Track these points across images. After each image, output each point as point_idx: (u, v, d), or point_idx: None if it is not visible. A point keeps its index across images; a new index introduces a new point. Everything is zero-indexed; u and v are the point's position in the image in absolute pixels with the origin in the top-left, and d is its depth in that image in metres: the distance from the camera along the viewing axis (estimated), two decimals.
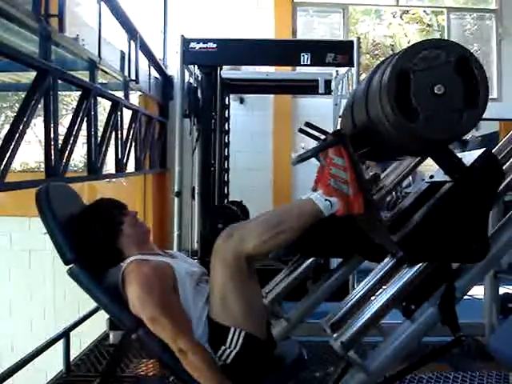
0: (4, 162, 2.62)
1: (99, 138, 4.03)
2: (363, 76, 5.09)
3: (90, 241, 2.01)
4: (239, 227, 1.85)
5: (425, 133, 1.59)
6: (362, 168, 1.81)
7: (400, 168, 2.63)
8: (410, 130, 1.59)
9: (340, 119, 2.29)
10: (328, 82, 5.72)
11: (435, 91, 1.57)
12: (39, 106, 2.94)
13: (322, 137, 2.12)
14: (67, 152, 3.34)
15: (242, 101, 7.01)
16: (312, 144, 2.82)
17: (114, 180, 5.40)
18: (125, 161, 4.81)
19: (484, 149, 1.79)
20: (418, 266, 1.87)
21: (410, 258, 1.84)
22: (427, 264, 1.86)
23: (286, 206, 1.97)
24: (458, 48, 1.62)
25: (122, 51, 4.82)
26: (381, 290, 2.02)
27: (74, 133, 3.44)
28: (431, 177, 2.03)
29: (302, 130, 2.30)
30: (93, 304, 2.66)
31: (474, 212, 1.75)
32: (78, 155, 7.19)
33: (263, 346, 1.90)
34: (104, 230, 2.03)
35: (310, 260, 2.78)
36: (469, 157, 1.79)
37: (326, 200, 1.78)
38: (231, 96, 6.35)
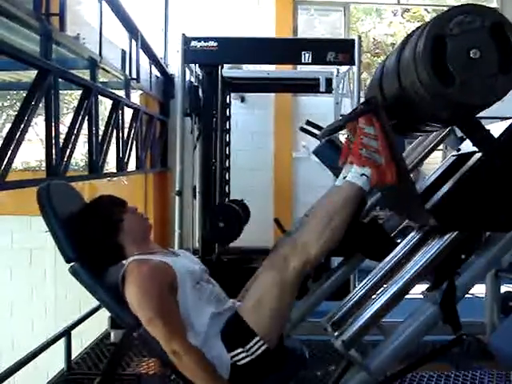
0: (5, 161, 2.62)
1: (100, 137, 4.03)
2: (364, 75, 5.09)
3: (90, 238, 2.01)
4: (297, 237, 1.87)
5: (461, 97, 1.58)
6: (394, 136, 1.78)
7: (421, 147, 2.62)
8: (445, 95, 1.58)
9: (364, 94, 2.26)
10: (329, 81, 5.71)
11: (471, 55, 1.57)
12: (40, 104, 2.94)
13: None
14: (68, 151, 3.34)
15: (242, 99, 7.01)
16: (314, 143, 2.82)
17: (114, 179, 5.39)
18: (126, 160, 4.81)
19: (511, 120, 1.80)
20: (420, 264, 1.88)
21: (443, 225, 1.83)
22: (432, 260, 1.86)
23: (326, 199, 1.94)
24: (493, 13, 1.61)
25: (122, 50, 4.82)
26: (382, 289, 2.02)
27: (75, 132, 3.44)
28: (458, 150, 2.03)
29: (303, 129, 2.31)
30: (94, 302, 2.67)
31: (502, 183, 1.75)
32: (79, 154, 7.20)
33: (276, 360, 1.91)
34: (104, 227, 2.03)
35: None
36: (497, 128, 1.80)
37: (361, 175, 1.77)
38: (232, 95, 6.34)
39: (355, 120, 1.79)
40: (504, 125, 1.79)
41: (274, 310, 1.85)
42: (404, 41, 1.77)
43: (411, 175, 2.15)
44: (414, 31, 1.74)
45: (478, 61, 1.57)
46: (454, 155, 2.04)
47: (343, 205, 1.81)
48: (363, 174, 1.77)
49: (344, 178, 1.84)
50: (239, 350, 1.86)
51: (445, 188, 1.82)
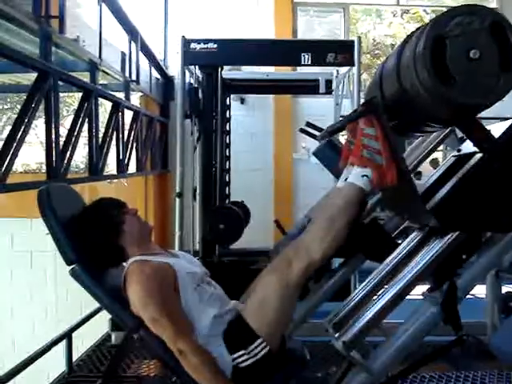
0: (6, 164, 2.62)
1: (100, 139, 4.03)
2: (364, 76, 5.09)
3: (92, 241, 2.02)
4: (300, 241, 1.88)
5: (461, 98, 1.59)
6: (394, 137, 1.78)
7: (420, 149, 2.62)
8: (446, 96, 1.58)
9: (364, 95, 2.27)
10: (329, 82, 5.72)
11: (471, 56, 1.57)
12: (40, 107, 2.94)
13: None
14: (68, 153, 3.34)
15: (242, 101, 7.01)
16: (314, 144, 2.82)
17: (115, 181, 5.40)
18: (126, 162, 4.82)
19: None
20: (421, 265, 1.88)
21: (444, 226, 1.83)
22: (433, 260, 1.86)
23: (328, 201, 1.95)
24: (492, 13, 1.62)
25: (122, 52, 4.82)
26: (383, 290, 2.01)
27: (75, 134, 3.44)
28: (458, 150, 2.03)
29: (302, 130, 2.31)
30: (95, 305, 2.67)
31: (502, 184, 1.75)
32: (80, 156, 7.20)
33: (277, 363, 1.91)
34: (105, 230, 2.03)
35: None
36: (497, 129, 1.80)
37: (362, 176, 1.78)
38: (232, 96, 6.34)
39: (356, 121, 1.79)
40: (504, 125, 1.79)
41: (277, 313, 1.85)
42: (404, 41, 1.77)
43: (412, 175, 2.15)
44: (413, 32, 1.74)
45: (478, 61, 1.57)
46: (454, 155, 2.04)
47: (345, 206, 1.81)
48: (364, 175, 1.77)
49: (345, 179, 1.84)
50: (241, 352, 1.86)
51: (445, 189, 1.82)
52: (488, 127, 1.80)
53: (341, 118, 4.18)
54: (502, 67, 1.58)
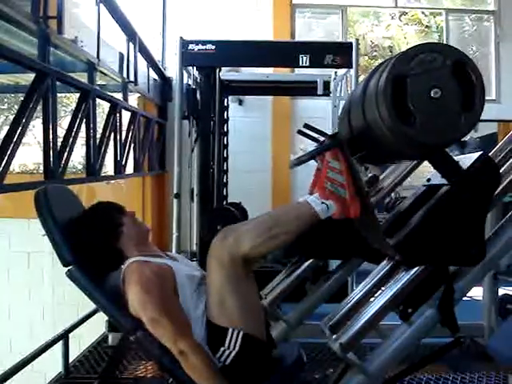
0: (3, 164, 2.62)
1: (98, 140, 4.03)
2: (362, 77, 5.09)
3: (91, 244, 2.01)
4: (235, 229, 1.84)
5: (421, 137, 1.59)
6: (358, 171, 1.80)
7: (399, 170, 2.63)
8: (406, 135, 1.58)
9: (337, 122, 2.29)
10: (327, 84, 5.72)
11: (432, 95, 1.57)
12: (38, 107, 2.94)
13: (321, 138, 2.12)
14: (66, 154, 3.34)
15: (240, 102, 7.01)
16: (311, 146, 2.82)
17: (112, 182, 5.40)
18: (124, 162, 4.81)
19: (480, 152, 1.79)
20: (416, 269, 1.87)
21: (407, 261, 1.84)
22: (424, 267, 1.86)
23: (283, 208, 1.95)
24: (455, 51, 1.61)
25: (120, 53, 4.82)
26: (379, 292, 2.02)
27: (72, 134, 3.44)
28: (428, 180, 2.03)
29: (300, 132, 2.30)
30: (92, 306, 2.66)
31: (471, 216, 1.74)
32: (77, 157, 7.19)
33: (262, 347, 1.90)
34: (104, 233, 2.03)
35: (309, 261, 2.78)
36: (466, 160, 1.79)
37: (322, 203, 1.78)
38: (230, 97, 6.35)
39: (321, 154, 1.80)
40: (473, 157, 1.78)
41: (237, 301, 1.83)
42: (372, 72, 1.77)
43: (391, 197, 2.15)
44: (382, 63, 1.74)
45: (439, 100, 1.57)
46: (424, 185, 2.03)
47: (293, 219, 1.80)
48: (324, 203, 1.77)
49: (306, 198, 1.84)
50: (221, 350, 1.86)
51: (411, 223, 1.81)
52: (457, 158, 1.79)
53: (338, 121, 4.18)
54: (464, 107, 1.58)
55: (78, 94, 3.68)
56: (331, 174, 1.76)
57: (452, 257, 1.78)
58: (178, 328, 1.83)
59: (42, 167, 3.15)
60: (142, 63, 5.55)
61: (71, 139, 3.41)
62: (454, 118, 1.58)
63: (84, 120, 3.61)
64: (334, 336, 1.91)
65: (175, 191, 4.84)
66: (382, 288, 2.03)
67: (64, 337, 3.58)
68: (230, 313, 1.84)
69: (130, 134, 5.06)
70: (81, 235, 2.02)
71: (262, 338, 1.89)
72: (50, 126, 3.06)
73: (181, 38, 4.72)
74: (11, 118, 3.13)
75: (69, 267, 1.97)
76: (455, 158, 1.79)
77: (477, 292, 3.73)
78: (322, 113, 6.14)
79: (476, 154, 1.79)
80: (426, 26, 8.49)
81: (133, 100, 5.72)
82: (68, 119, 3.61)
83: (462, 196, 1.74)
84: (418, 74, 1.57)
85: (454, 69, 1.58)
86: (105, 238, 2.03)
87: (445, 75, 1.58)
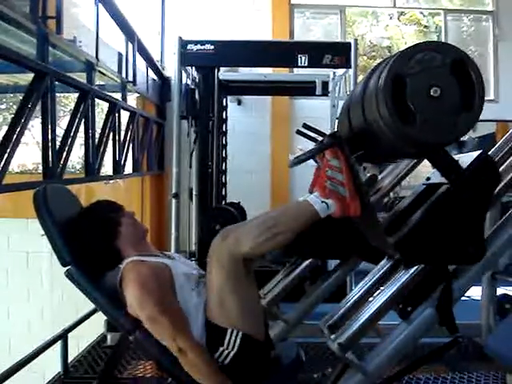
0: (2, 164, 2.62)
1: (97, 140, 4.03)
2: (360, 77, 5.09)
3: (88, 243, 2.02)
4: (235, 229, 1.85)
5: (421, 136, 1.59)
6: (358, 170, 1.80)
7: (397, 169, 2.63)
8: (406, 133, 1.59)
9: (337, 122, 2.29)
10: (325, 84, 5.72)
11: (431, 93, 1.57)
12: (37, 107, 2.94)
13: (320, 138, 2.12)
14: (65, 154, 3.34)
15: (239, 102, 7.02)
16: (310, 145, 2.82)
17: (111, 181, 5.40)
18: (122, 162, 4.82)
19: (480, 151, 1.79)
20: (414, 268, 1.88)
21: (407, 260, 1.84)
22: (424, 266, 1.86)
23: (283, 207, 1.96)
24: (454, 50, 1.61)
25: (119, 53, 4.82)
26: (378, 292, 2.02)
27: (71, 134, 3.44)
28: (428, 179, 2.03)
29: (299, 132, 2.31)
30: (90, 306, 2.66)
31: (470, 215, 1.75)
32: (76, 157, 7.19)
33: (261, 347, 1.90)
34: (103, 232, 2.04)
35: (308, 261, 2.78)
36: (466, 159, 1.80)
37: (322, 202, 1.78)
38: (229, 97, 6.35)
39: (320, 153, 1.80)
40: (473, 155, 1.78)
41: (237, 301, 1.83)
42: (370, 72, 1.77)
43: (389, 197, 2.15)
44: (381, 62, 1.74)
45: (438, 99, 1.57)
46: (424, 183, 2.03)
47: (293, 218, 1.80)
48: (324, 202, 1.78)
49: (306, 197, 1.84)
50: (220, 350, 1.86)
51: (411, 221, 1.82)
52: (456, 157, 1.80)
53: (336, 121, 4.19)
54: (464, 106, 1.58)
55: (76, 94, 3.68)
56: (331, 172, 1.76)
57: (451, 256, 1.78)
58: (177, 326, 1.83)
59: (40, 167, 3.15)
60: (141, 63, 5.56)
61: (70, 139, 3.41)
62: (454, 117, 1.58)
63: (83, 120, 3.61)
64: (333, 335, 1.91)
65: (174, 191, 4.84)
66: (381, 287, 2.03)
67: (63, 337, 3.58)
68: (230, 313, 1.84)
69: (129, 133, 5.06)
70: (79, 233, 2.02)
71: (260, 339, 1.89)
72: (49, 126, 3.06)
73: (179, 37, 4.72)
74: (10, 118, 3.13)
75: (67, 267, 1.97)
76: (455, 157, 1.80)
77: (475, 292, 3.73)
78: (320, 113, 6.13)
79: (475, 153, 1.79)
80: (425, 26, 8.50)
81: (131, 100, 5.72)
82: (67, 119, 3.61)
83: (462, 195, 1.74)
84: (417, 72, 1.57)
85: (453, 67, 1.58)
86: (102, 236, 2.03)
87: (444, 74, 1.58)
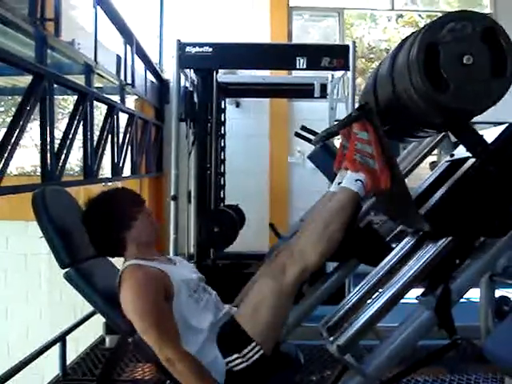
0: (0, 166, 2.62)
1: (95, 142, 4.03)
2: (359, 80, 5.11)
3: (99, 225, 2.00)
4: (294, 245, 1.86)
5: (455, 103, 1.60)
6: (387, 141, 1.79)
7: (410, 157, 2.63)
8: (439, 101, 1.59)
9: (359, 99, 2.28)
10: (323, 86, 5.72)
11: (464, 61, 1.58)
12: (35, 110, 2.94)
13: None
14: (63, 156, 3.34)
15: (238, 105, 7.02)
16: (309, 147, 2.83)
17: (110, 184, 5.39)
18: (121, 165, 4.81)
19: (507, 124, 1.81)
20: (414, 268, 1.88)
21: (437, 231, 1.84)
22: (424, 266, 1.86)
23: (322, 205, 1.95)
24: (484, 18, 1.63)
25: (118, 55, 4.82)
26: (377, 294, 2.02)
27: (70, 137, 3.44)
28: (452, 155, 2.04)
29: (298, 134, 2.31)
30: (89, 308, 2.66)
31: (496, 188, 1.76)
32: (74, 159, 7.19)
33: (271, 367, 1.91)
34: (116, 219, 2.01)
35: None
36: (489, 134, 1.80)
37: (356, 180, 1.78)
38: (227, 100, 6.35)
39: (349, 125, 1.80)
40: (498, 130, 1.80)
41: (271, 317, 1.85)
42: (398, 47, 1.78)
43: (406, 180, 2.16)
44: (408, 37, 1.75)
45: (471, 66, 1.58)
46: (447, 161, 2.05)
47: (339, 211, 1.81)
48: (358, 180, 1.78)
49: (339, 183, 1.84)
50: (235, 356, 1.86)
51: (438, 194, 1.83)
52: (481, 132, 1.81)
53: (336, 122, 4.20)
54: (495, 73, 1.59)
55: (75, 97, 3.68)
56: (360, 145, 1.76)
57: (478, 228, 1.79)
58: (165, 335, 1.82)
59: (39, 169, 3.14)
60: (140, 65, 5.57)
61: (68, 141, 3.41)
62: (487, 84, 1.60)
63: (81, 122, 3.61)
64: (332, 338, 1.91)
65: (172, 193, 4.83)
66: (380, 290, 2.03)
67: (61, 339, 3.58)
68: (259, 325, 1.85)
69: (128, 136, 5.06)
70: (94, 211, 2.02)
71: (268, 354, 1.89)
72: (48, 129, 3.06)
73: (178, 40, 4.72)
74: (8, 120, 3.13)
75: (66, 269, 1.97)
76: (480, 131, 1.80)
77: (473, 294, 3.73)
78: (319, 115, 6.13)
79: (499, 128, 1.80)
80: None
81: (130, 102, 5.72)
82: (65, 121, 3.61)
83: (489, 167, 1.75)
84: (450, 41, 1.59)
85: (483, 35, 1.59)
86: (115, 224, 2.01)
87: (475, 42, 1.59)
